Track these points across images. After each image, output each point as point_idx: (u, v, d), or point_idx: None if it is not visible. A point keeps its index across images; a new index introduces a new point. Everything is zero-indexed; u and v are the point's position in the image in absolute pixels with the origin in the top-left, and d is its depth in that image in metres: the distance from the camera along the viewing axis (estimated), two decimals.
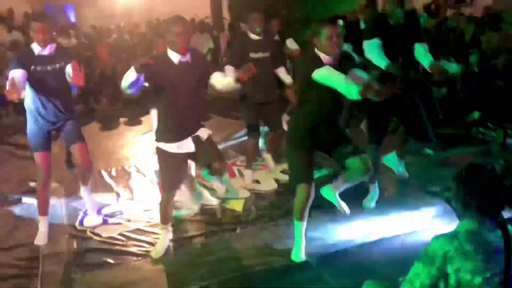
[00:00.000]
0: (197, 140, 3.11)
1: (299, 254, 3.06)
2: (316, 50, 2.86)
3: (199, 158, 3.23)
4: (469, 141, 5.17)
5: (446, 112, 5.43)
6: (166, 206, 3.25)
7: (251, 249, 3.30)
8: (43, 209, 3.56)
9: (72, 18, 15.34)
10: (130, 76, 2.84)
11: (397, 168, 4.08)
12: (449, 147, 4.95)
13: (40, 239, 3.50)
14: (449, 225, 2.91)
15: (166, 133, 3.08)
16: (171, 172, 3.16)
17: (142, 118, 6.95)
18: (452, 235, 1.76)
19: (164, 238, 3.32)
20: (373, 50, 3.41)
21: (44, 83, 3.36)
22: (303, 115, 2.97)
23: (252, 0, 7.90)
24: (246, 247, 3.33)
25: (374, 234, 3.36)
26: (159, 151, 3.14)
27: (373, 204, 3.74)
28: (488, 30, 6.50)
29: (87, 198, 3.82)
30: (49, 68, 3.36)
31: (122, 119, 7.29)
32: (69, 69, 3.33)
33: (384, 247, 3.21)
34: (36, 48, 3.35)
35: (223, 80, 3.08)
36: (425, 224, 3.48)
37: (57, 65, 3.40)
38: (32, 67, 3.30)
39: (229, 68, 4.01)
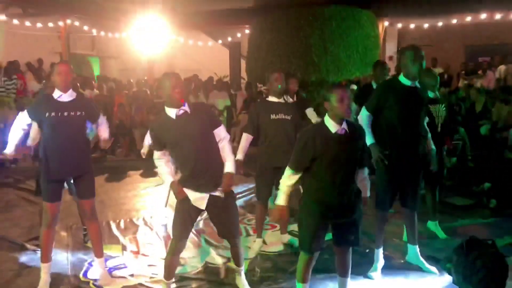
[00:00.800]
0: (214, 204, 3.12)
1: None
2: (326, 116, 2.91)
3: (218, 228, 3.28)
4: (478, 211, 5.12)
5: (456, 181, 5.44)
6: (172, 258, 3.20)
7: None
8: (46, 255, 3.55)
9: (96, 70, 16.02)
10: (160, 160, 3.16)
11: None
12: (458, 217, 4.91)
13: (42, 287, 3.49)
14: None
15: (184, 181, 3.13)
16: (182, 218, 3.14)
17: (156, 170, 7.05)
18: None
19: None
20: (363, 123, 3.50)
21: (59, 129, 3.37)
22: (315, 186, 2.93)
23: (269, 63, 8.19)
24: None
25: None
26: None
27: (377, 274, 3.68)
28: (498, 102, 6.62)
29: (99, 267, 3.75)
30: (65, 114, 3.38)
31: (133, 172, 7.41)
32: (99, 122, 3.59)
33: None
34: (56, 93, 3.41)
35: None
36: None
37: (76, 113, 3.42)
38: (47, 113, 3.35)
39: (245, 136, 4.09)
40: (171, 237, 3.25)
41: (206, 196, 3.10)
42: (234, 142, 9.68)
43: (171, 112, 3.06)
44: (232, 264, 3.83)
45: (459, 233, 4.45)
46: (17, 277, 3.73)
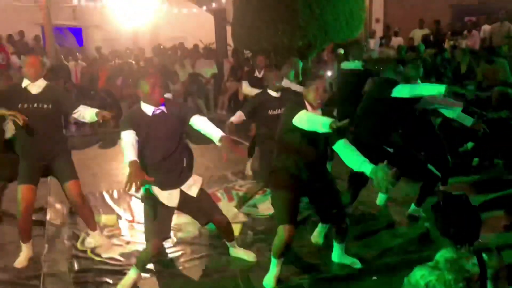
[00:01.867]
0: (187, 198, 3.11)
1: (271, 281, 3.17)
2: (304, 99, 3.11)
3: (197, 217, 3.27)
4: (462, 171, 5.29)
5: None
6: (148, 257, 3.12)
7: (247, 272, 3.39)
8: (24, 237, 3.60)
9: (80, 41, 15.71)
10: (127, 137, 2.91)
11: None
12: None
13: (19, 262, 3.57)
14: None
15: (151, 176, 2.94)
16: (156, 218, 3.06)
17: None
18: (433, 266, 1.87)
19: (132, 278, 3.18)
20: None
21: (30, 121, 3.34)
22: (286, 158, 3.10)
23: (255, 29, 8.13)
24: (242, 270, 3.42)
25: (367, 261, 3.47)
26: (147, 195, 3.09)
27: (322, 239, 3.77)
28: (483, 63, 6.69)
29: (98, 236, 3.87)
30: (36, 105, 3.40)
31: None
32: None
33: (376, 273, 3.31)
34: (25, 82, 3.42)
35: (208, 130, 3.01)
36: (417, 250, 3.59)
37: (45, 105, 3.42)
38: (20, 105, 3.37)
39: (239, 113, 4.16)
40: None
41: (174, 192, 3.09)
42: (223, 110, 9.72)
43: (147, 109, 3.02)
44: None
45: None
46: (19, 249, 3.82)
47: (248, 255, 3.53)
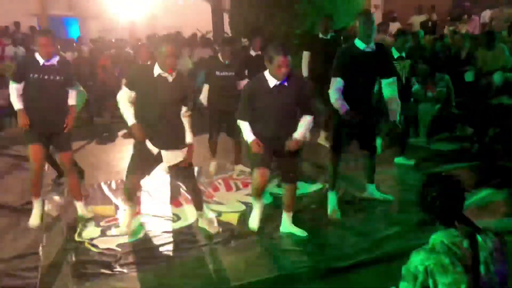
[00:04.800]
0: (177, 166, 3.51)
1: (254, 222, 3.69)
2: (267, 71, 3.33)
3: (183, 183, 3.71)
4: (461, 156, 5.25)
5: (439, 128, 5.53)
6: (129, 187, 3.64)
7: (244, 262, 3.37)
8: (35, 192, 3.95)
9: (76, 31, 15.60)
10: (124, 96, 3.37)
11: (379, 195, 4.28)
12: (442, 163, 5.04)
13: (33, 220, 3.88)
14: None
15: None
16: (139, 160, 3.52)
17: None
18: (431, 249, 1.84)
19: (129, 215, 3.68)
20: (332, 89, 3.70)
21: (40, 91, 3.66)
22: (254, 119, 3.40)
23: (253, 17, 8.07)
24: (240, 260, 3.41)
25: (366, 251, 3.46)
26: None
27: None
28: (482, 48, 6.60)
29: (83, 210, 4.06)
30: (46, 77, 3.65)
31: (121, 133, 7.37)
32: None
33: (374, 264, 3.30)
34: (39, 59, 3.65)
35: None
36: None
37: (56, 77, 3.69)
38: (31, 75, 3.62)
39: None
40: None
41: (164, 152, 3.43)
42: None
43: (157, 70, 3.27)
44: (223, 218, 4.03)
45: None
46: (15, 241, 3.81)
47: (210, 227, 3.76)
